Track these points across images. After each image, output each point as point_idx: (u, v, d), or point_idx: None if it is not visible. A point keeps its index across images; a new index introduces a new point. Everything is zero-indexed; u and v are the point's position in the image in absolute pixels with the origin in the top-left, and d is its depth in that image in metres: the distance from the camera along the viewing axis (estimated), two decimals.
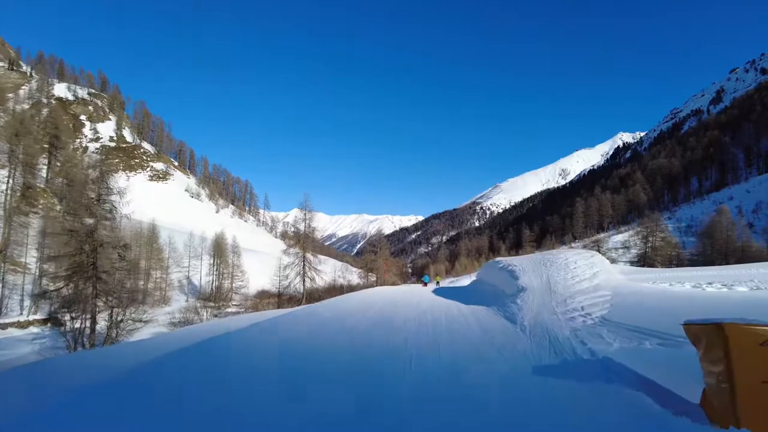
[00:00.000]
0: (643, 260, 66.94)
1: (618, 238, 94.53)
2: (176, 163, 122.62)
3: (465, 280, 48.61)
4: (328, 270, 60.79)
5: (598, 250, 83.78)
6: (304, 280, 34.09)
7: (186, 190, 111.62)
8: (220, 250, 52.30)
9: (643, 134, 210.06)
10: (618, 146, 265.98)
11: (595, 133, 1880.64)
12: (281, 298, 37.14)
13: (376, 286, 54.10)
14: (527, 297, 11.24)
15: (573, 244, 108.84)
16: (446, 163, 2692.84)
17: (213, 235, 54.77)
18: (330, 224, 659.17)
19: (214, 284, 51.00)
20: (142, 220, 49.43)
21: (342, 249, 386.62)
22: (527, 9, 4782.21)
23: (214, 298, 48.14)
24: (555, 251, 17.20)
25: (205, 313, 22.73)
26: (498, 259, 18.87)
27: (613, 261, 75.49)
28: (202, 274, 51.63)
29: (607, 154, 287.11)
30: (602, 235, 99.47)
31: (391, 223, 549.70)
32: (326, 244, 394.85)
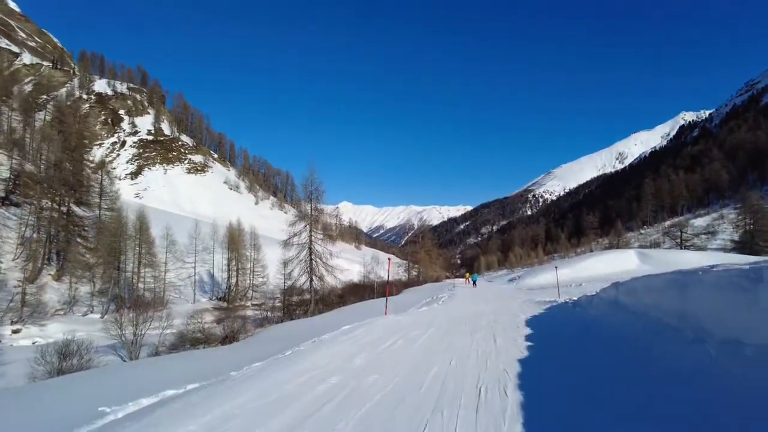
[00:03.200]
0: (749, 247, 54.58)
1: (698, 222, 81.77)
2: (215, 156, 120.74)
3: (532, 279, 31.13)
4: (360, 261, 53.66)
5: (681, 236, 71.26)
6: (311, 279, 26.43)
7: (225, 182, 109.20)
8: (234, 242, 46.28)
9: (711, 111, 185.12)
10: (682, 125, 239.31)
11: (653, 114, 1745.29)
12: (287, 300, 30.02)
13: (420, 280, 46.09)
14: None
15: (643, 230, 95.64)
16: (494, 151, 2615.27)
17: (227, 225, 48.89)
18: (378, 216, 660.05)
19: (229, 281, 45.26)
20: (179, 213, 44.79)
21: (390, 241, 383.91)
22: None
23: (229, 297, 42.39)
24: None
25: (142, 328, 16.03)
26: None
27: (700, 248, 63.37)
28: (215, 270, 46.07)
29: (668, 135, 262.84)
30: (678, 219, 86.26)
31: (439, 213, 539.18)
32: (374, 236, 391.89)
